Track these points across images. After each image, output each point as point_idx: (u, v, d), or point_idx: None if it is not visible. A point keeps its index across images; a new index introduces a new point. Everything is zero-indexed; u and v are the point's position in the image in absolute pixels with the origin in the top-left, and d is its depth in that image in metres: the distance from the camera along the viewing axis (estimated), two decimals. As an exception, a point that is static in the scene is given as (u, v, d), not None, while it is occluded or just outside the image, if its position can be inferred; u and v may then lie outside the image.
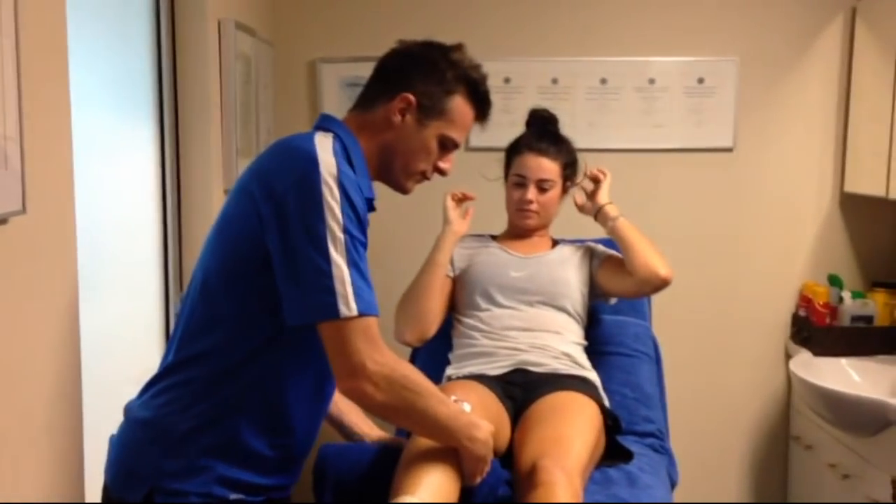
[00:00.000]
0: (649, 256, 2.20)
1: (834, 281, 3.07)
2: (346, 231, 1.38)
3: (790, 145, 3.15)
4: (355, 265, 1.38)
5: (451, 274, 2.34)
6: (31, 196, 1.33)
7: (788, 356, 3.14)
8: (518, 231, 2.40)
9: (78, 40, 1.60)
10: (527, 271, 2.30)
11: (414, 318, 2.26)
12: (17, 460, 1.34)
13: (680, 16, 3.09)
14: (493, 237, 2.45)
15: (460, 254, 2.36)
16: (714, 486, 3.22)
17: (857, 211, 3.16)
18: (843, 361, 2.93)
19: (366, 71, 1.63)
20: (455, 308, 2.34)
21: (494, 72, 3.08)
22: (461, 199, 2.37)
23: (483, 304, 2.27)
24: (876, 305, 2.98)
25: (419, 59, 1.57)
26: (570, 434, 1.86)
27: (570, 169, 2.36)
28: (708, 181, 3.17)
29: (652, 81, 3.10)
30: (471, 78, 1.58)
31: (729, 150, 3.14)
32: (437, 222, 2.36)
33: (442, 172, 1.61)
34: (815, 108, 3.14)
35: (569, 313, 2.27)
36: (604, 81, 3.10)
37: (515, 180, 2.33)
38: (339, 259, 1.37)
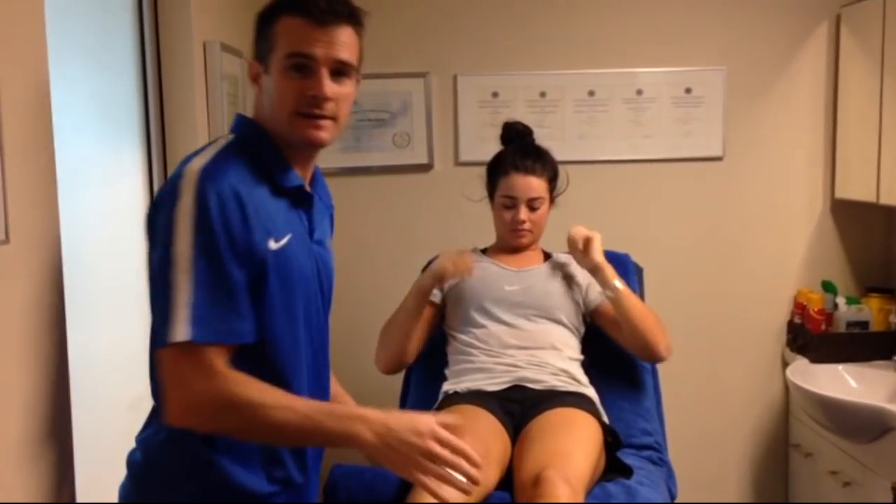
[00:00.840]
0: (649, 334, 2.17)
1: (828, 287, 3.07)
2: (199, 249, 1.25)
3: (780, 153, 3.15)
4: (204, 286, 1.26)
5: (437, 300, 2.32)
6: (13, 226, 1.31)
7: (785, 364, 3.13)
8: (510, 246, 2.38)
9: (61, 64, 1.59)
10: (521, 285, 2.29)
11: (391, 356, 2.29)
12: (5, 488, 1.31)
13: (666, 27, 3.09)
14: (483, 251, 2.43)
15: (451, 271, 2.34)
16: (714, 496, 3.20)
17: (849, 217, 3.16)
18: (840, 368, 2.92)
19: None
20: (448, 324, 2.32)
21: (483, 87, 3.14)
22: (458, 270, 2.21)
23: (479, 320, 2.25)
24: (871, 311, 2.98)
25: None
26: (572, 448, 1.86)
27: (554, 182, 2.35)
28: (699, 190, 3.16)
29: (640, 92, 3.10)
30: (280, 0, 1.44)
31: (719, 158, 3.14)
32: (424, 248, 2.33)
33: (323, 97, 1.40)
34: (804, 114, 3.14)
35: (565, 325, 2.26)
36: (592, 93, 3.10)
37: (505, 202, 2.30)
38: (181, 281, 1.26)
